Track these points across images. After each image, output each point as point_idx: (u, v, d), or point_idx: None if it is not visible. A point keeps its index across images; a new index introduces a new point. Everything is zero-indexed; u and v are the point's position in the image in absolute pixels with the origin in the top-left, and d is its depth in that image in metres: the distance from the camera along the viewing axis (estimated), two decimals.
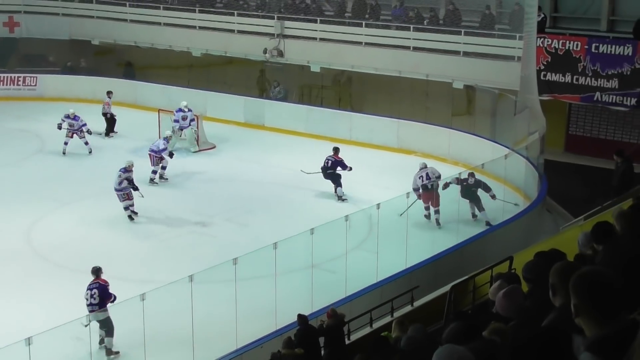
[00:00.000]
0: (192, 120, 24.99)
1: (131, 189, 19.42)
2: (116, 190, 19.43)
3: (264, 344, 12.89)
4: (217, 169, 23.58)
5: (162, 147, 22.00)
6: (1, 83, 31.53)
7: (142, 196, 19.48)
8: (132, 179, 19.56)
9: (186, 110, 24.84)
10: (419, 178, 19.04)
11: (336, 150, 21.17)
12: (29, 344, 10.81)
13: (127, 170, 19.52)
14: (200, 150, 24.88)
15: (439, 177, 19.04)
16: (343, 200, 20.65)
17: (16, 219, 19.54)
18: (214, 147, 25.38)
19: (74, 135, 24.40)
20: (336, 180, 20.86)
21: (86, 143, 24.58)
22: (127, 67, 32.25)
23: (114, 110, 27.01)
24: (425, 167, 19.49)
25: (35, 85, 31.63)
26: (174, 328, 13.47)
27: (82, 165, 23.67)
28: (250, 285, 14.36)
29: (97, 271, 13.82)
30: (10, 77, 31.71)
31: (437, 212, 18.81)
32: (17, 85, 31.65)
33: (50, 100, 30.61)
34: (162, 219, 19.63)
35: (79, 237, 18.49)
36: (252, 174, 23.00)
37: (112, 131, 26.78)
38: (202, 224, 19.38)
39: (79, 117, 24.49)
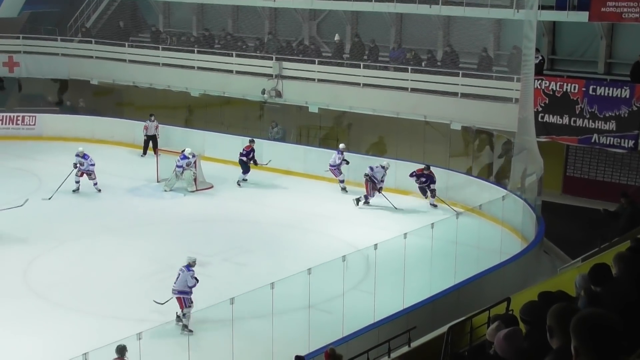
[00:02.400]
0: (189, 163, 25.00)
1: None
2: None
3: None
4: (214, 208, 23.60)
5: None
6: (1, 122, 31.61)
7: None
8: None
9: (190, 157, 24.87)
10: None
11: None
12: None
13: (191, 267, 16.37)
14: (198, 190, 24.90)
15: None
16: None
17: (13, 257, 19.51)
18: (212, 186, 25.41)
19: (84, 174, 24.39)
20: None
21: (95, 184, 24.58)
22: None
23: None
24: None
25: (34, 124, 31.69)
26: None
27: (80, 204, 23.65)
28: (247, 325, 14.31)
29: (121, 350, 12.80)
30: (10, 116, 31.78)
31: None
32: (17, 124, 31.71)
33: (48, 139, 30.73)
34: (158, 258, 19.58)
35: (76, 275, 18.44)
36: (249, 214, 23.01)
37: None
38: (200, 264, 19.31)
39: (88, 156, 24.51)
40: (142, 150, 28.75)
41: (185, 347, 12.74)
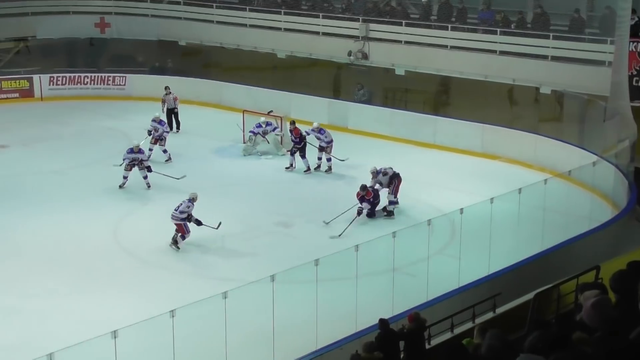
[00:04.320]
0: (275, 128, 25.11)
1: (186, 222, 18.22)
2: (173, 217, 18.24)
3: (343, 345, 12.89)
4: (299, 170, 23.69)
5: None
6: (92, 82, 32.36)
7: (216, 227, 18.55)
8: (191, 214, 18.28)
9: (264, 125, 24.89)
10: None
11: None
12: (115, 337, 11.01)
13: (192, 201, 18.43)
14: (287, 152, 25.02)
15: None
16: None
17: (104, 216, 19.98)
18: None
19: (132, 168, 22.10)
20: None
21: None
22: None
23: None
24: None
25: (124, 84, 32.35)
26: (255, 327, 13.57)
27: (166, 164, 24.00)
28: (331, 286, 14.38)
29: None
30: (101, 76, 32.48)
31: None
32: (107, 84, 32.42)
33: (138, 99, 31.28)
34: (243, 218, 19.80)
35: (163, 234, 18.79)
36: (334, 176, 23.05)
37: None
38: (284, 225, 19.50)
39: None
40: (175, 127, 27.60)
41: (270, 308, 12.87)
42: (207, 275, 16.48)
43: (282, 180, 22.90)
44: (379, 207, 20.14)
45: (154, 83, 30.99)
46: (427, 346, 12.21)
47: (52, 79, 32.32)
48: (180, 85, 31.12)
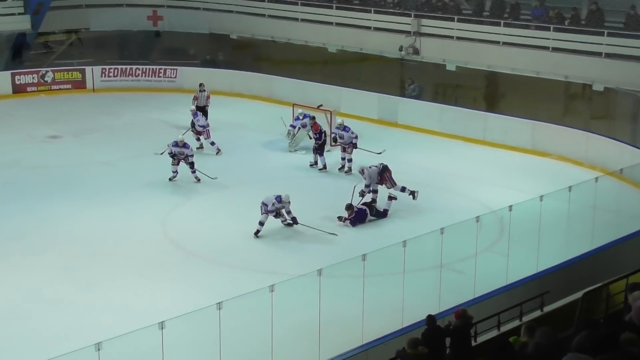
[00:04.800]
0: (305, 116, 24.95)
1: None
2: (269, 211, 18.38)
3: (389, 341, 12.87)
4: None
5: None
6: (144, 75, 32.66)
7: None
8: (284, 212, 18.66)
9: (301, 117, 24.87)
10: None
11: None
12: (162, 328, 11.11)
13: (282, 201, 18.43)
14: (332, 146, 25.01)
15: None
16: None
17: (152, 208, 20.17)
18: None
19: (180, 163, 21.93)
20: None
21: (193, 171, 21.90)
22: None
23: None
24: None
25: (175, 77, 32.62)
26: (301, 321, 13.60)
27: (217, 157, 24.16)
28: (378, 282, 14.35)
29: None
30: (152, 69, 32.80)
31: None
32: (158, 77, 32.71)
33: (189, 92, 31.44)
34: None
35: (211, 226, 18.92)
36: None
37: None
38: (331, 219, 19.50)
39: (188, 145, 22.00)
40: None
41: (316, 302, 12.89)
42: (254, 269, 16.55)
43: (329, 176, 22.89)
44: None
45: (205, 76, 31.19)
46: (473, 343, 12.13)
47: (104, 70, 32.72)
48: (232, 78, 31.40)
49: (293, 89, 29.50)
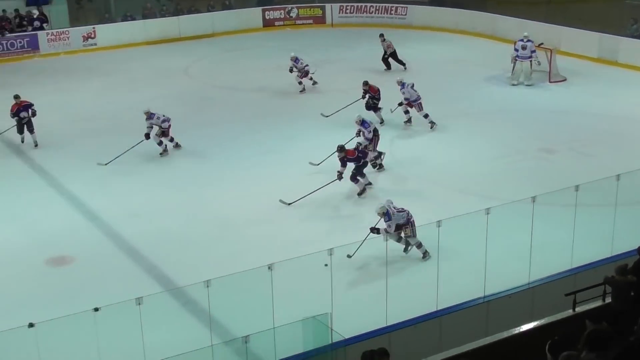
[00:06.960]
0: (533, 51, 24.12)
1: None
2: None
3: (597, 267, 12.53)
4: (566, 100, 22.91)
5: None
6: (377, 12, 33.06)
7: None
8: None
9: (525, 40, 24.07)
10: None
11: None
12: (330, 255, 11.03)
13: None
14: (551, 82, 24.21)
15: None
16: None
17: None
18: (565, 79, 24.56)
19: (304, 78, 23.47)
20: None
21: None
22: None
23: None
24: None
25: (406, 14, 32.65)
26: (513, 242, 13.47)
27: (438, 85, 24.00)
28: (589, 212, 13.91)
29: None
30: (385, 6, 33.00)
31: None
32: (390, 14, 32.88)
33: (417, 28, 31.53)
34: (508, 143, 19.51)
35: (433, 155, 18.94)
36: (600, 108, 22.06)
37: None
38: (547, 151, 19.02)
39: (153, 114, 18.94)
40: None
41: (528, 227, 12.70)
42: (473, 192, 16.47)
43: (548, 110, 22.22)
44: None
45: (433, 14, 30.95)
46: None
47: (342, 7, 33.35)
48: (457, 16, 30.94)
49: (515, 27, 28.65)
